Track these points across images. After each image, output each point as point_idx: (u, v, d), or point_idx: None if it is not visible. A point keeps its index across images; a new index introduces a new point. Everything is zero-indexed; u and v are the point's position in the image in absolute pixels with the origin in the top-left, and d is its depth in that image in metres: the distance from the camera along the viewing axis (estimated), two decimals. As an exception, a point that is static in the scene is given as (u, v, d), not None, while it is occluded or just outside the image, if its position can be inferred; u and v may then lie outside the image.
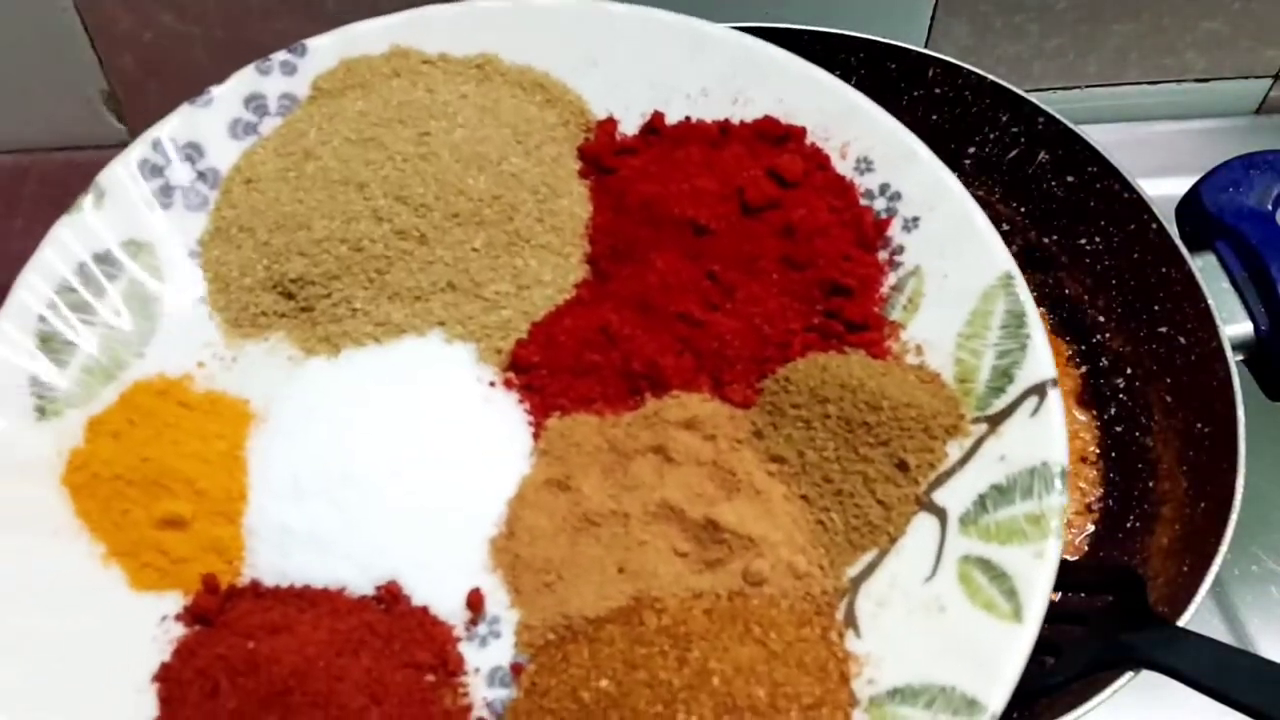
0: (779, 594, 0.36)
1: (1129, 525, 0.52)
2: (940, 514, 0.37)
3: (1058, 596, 0.40)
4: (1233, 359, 0.47)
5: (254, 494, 0.38)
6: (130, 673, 0.35)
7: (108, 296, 0.41)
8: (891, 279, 0.42)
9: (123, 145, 0.64)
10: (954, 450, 0.38)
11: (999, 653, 0.34)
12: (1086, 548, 0.53)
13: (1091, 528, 0.53)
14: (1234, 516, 0.45)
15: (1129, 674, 0.40)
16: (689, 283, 0.41)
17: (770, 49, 0.45)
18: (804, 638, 0.35)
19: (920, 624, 0.35)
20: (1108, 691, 0.40)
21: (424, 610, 0.37)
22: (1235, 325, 0.48)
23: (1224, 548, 0.44)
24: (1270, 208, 0.50)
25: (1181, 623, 0.42)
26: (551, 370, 0.41)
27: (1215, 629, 0.58)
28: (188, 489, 0.38)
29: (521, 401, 0.41)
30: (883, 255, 0.42)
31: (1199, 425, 0.48)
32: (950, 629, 0.35)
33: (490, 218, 0.42)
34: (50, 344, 0.39)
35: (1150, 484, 0.51)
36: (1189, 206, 0.51)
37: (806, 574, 0.37)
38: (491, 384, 0.41)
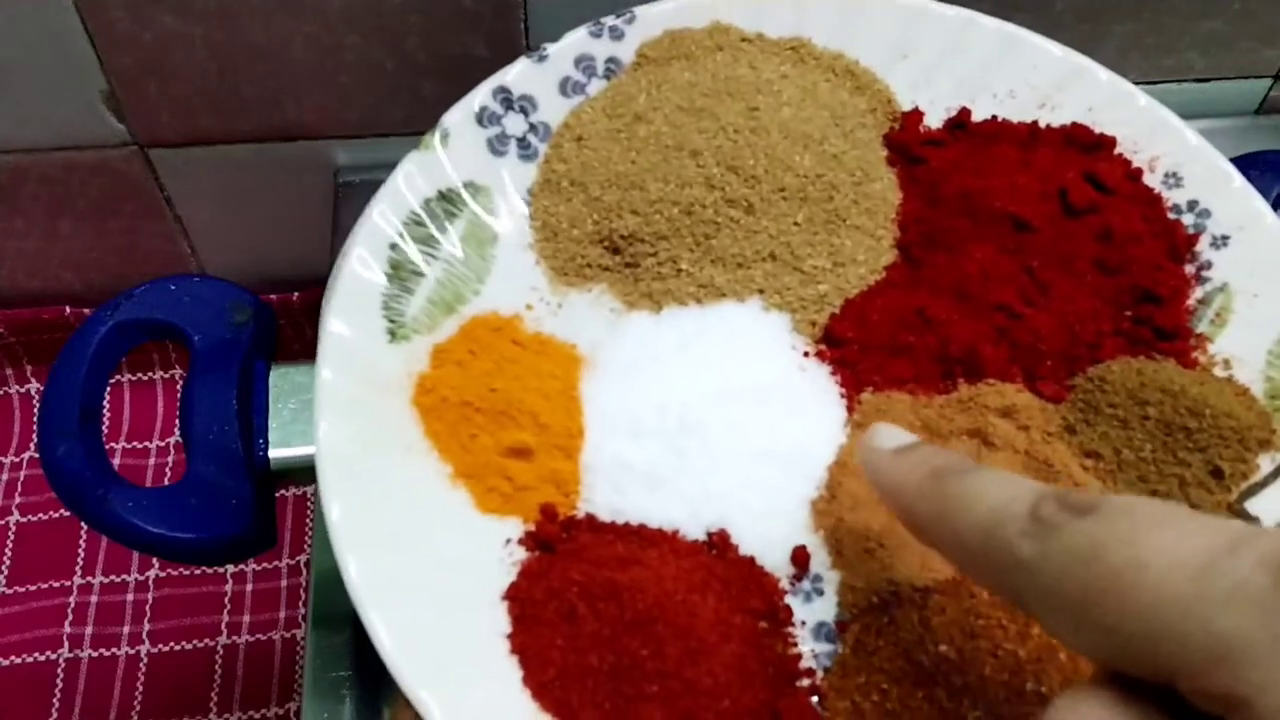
0: (1097, 582, 0.37)
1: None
2: (1253, 522, 0.38)
3: None
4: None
5: (590, 432, 0.40)
6: (482, 588, 0.37)
7: (449, 233, 0.43)
8: (1199, 293, 0.43)
9: (123, 145, 0.66)
10: (1265, 463, 0.39)
11: None
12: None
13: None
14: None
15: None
16: (1007, 275, 0.43)
17: (1081, 58, 0.47)
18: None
19: None
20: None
21: (751, 560, 0.38)
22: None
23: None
24: (1271, 207, 0.48)
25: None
26: (864, 347, 0.42)
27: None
28: (532, 421, 0.39)
29: (834, 374, 0.42)
30: (1189, 269, 0.44)
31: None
32: None
33: (813, 195, 0.43)
34: (399, 271, 0.41)
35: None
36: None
37: (1122, 566, 0.38)
38: (805, 354, 0.42)
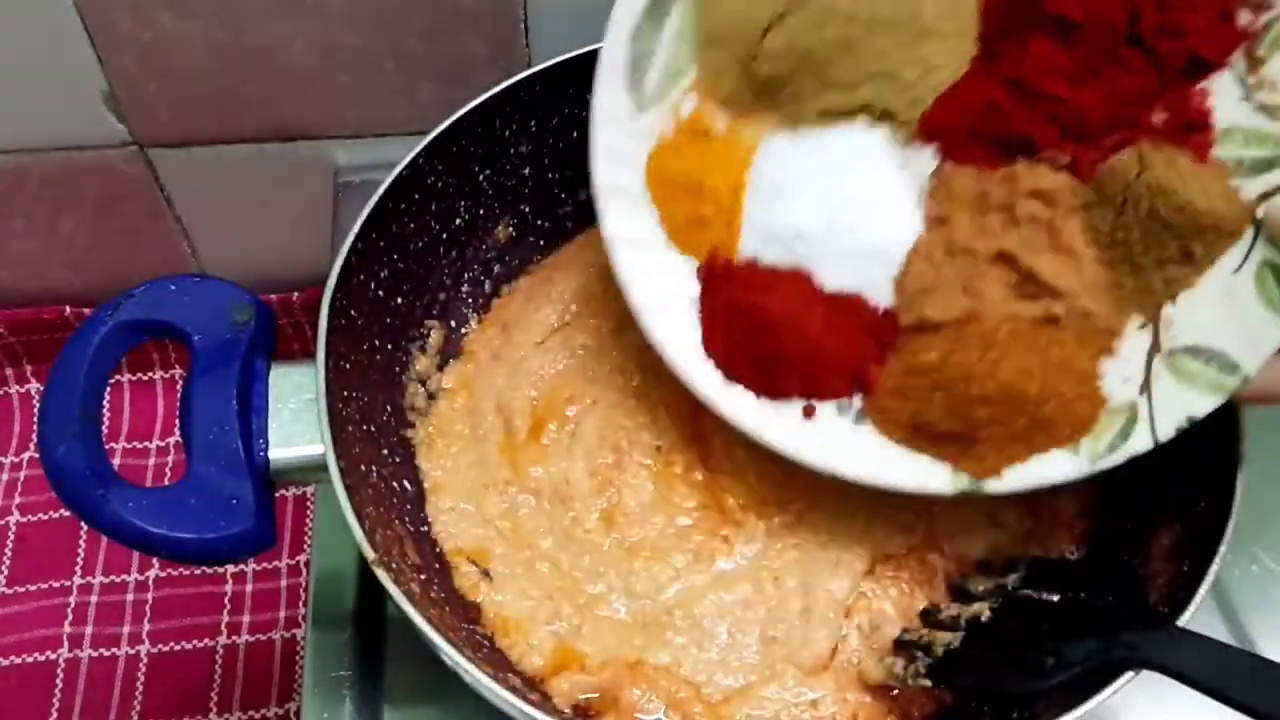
0: (1069, 325, 0.54)
1: (1129, 525, 0.55)
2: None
3: (1057, 597, 0.48)
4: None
5: (746, 202, 0.60)
6: (679, 292, 0.61)
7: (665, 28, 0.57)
8: (1264, 18, 0.49)
9: (123, 145, 0.65)
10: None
11: (1264, 335, 0.48)
12: (1086, 548, 0.58)
13: (1092, 528, 0.58)
14: (1234, 516, 0.47)
15: (1129, 674, 0.42)
16: (1059, 67, 0.53)
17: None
18: (1077, 355, 0.54)
19: (1215, 304, 0.50)
20: (1108, 691, 0.42)
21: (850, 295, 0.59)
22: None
23: (1224, 548, 0.47)
24: None
25: (1181, 623, 0.44)
26: (949, 132, 0.56)
27: (1215, 629, 0.60)
28: (713, 200, 0.60)
29: (925, 165, 0.57)
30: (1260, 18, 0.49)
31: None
32: (1234, 313, 0.49)
33: (900, 18, 0.55)
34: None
35: (1150, 484, 0.54)
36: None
37: (1094, 314, 0.54)
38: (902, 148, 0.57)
